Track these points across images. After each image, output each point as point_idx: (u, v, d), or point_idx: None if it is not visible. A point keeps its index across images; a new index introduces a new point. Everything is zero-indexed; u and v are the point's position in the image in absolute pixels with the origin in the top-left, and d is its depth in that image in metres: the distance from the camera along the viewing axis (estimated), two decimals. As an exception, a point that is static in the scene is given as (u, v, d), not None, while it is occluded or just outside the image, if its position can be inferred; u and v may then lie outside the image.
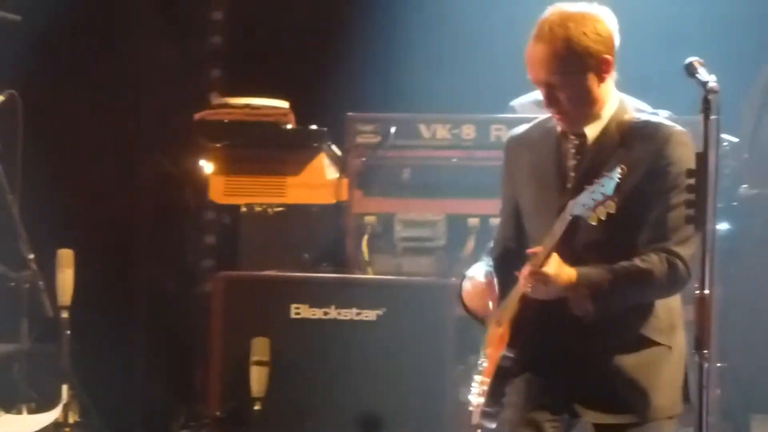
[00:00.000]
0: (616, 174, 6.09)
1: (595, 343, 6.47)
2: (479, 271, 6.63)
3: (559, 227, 6.23)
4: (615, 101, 6.50)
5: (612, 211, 6.07)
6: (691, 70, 6.21)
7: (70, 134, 10.32)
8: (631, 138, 6.41)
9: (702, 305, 6.15)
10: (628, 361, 6.52)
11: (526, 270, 6.33)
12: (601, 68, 6.40)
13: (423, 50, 10.80)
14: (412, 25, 10.92)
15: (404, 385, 8.57)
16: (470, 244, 9.05)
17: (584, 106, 6.45)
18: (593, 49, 6.36)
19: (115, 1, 10.79)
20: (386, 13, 10.88)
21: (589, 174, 6.25)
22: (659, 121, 6.45)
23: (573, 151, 6.47)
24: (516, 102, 9.15)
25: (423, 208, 9.20)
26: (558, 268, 6.28)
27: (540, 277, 6.28)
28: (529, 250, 6.33)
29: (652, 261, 6.35)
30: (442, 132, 9.23)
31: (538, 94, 7.53)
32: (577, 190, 6.23)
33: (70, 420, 9.01)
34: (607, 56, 6.41)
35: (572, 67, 6.36)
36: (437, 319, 8.51)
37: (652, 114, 6.50)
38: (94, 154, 10.12)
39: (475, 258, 8.24)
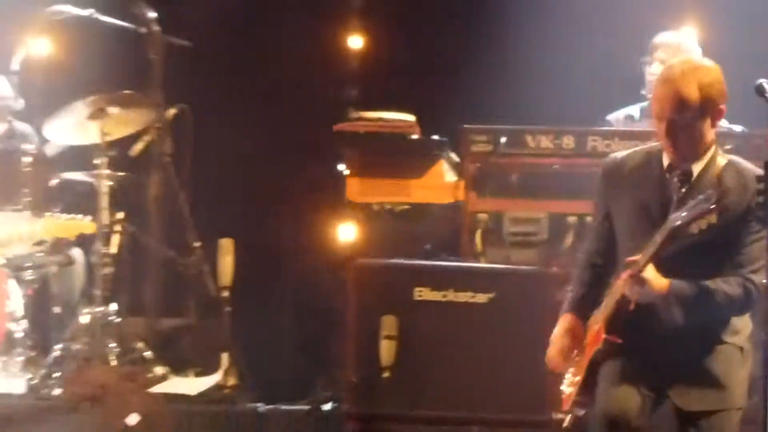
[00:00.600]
0: (714, 195, 6.18)
1: (681, 342, 6.49)
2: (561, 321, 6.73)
3: (659, 237, 6.28)
4: (714, 142, 6.50)
5: (714, 221, 6.25)
6: (760, 90, 6.29)
7: (231, 141, 10.40)
8: (725, 176, 6.44)
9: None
10: (707, 357, 6.54)
11: (626, 274, 6.40)
12: (716, 116, 6.48)
13: (529, 67, 10.66)
14: (520, 45, 10.74)
15: (509, 361, 8.47)
16: (569, 238, 9.03)
17: (697, 145, 6.51)
18: (715, 100, 6.42)
19: (266, 33, 10.80)
20: (496, 36, 10.77)
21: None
22: (746, 166, 6.49)
23: (678, 184, 6.48)
24: (611, 116, 9.20)
25: (528, 207, 9.15)
26: (654, 276, 6.36)
27: (638, 281, 6.35)
28: (629, 259, 6.39)
29: (731, 284, 6.43)
30: (545, 142, 9.18)
31: (630, 110, 7.57)
32: None
33: (229, 383, 9.08)
34: (723, 107, 6.49)
35: (696, 111, 6.38)
36: (540, 303, 8.38)
37: (729, 129, 6.62)
38: (250, 158, 10.19)
39: (572, 250, 8.55)
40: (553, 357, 6.71)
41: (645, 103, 9.28)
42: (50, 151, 9.83)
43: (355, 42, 11.17)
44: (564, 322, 6.74)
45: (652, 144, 6.67)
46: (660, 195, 6.51)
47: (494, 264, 9.05)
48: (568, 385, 6.72)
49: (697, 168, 6.50)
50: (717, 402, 6.60)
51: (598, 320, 6.61)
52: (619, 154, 6.77)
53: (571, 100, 9.93)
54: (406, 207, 9.45)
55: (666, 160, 6.54)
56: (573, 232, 9.10)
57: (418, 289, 8.62)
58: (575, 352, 6.70)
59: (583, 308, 6.62)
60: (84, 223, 8.78)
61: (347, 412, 8.62)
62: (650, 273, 6.37)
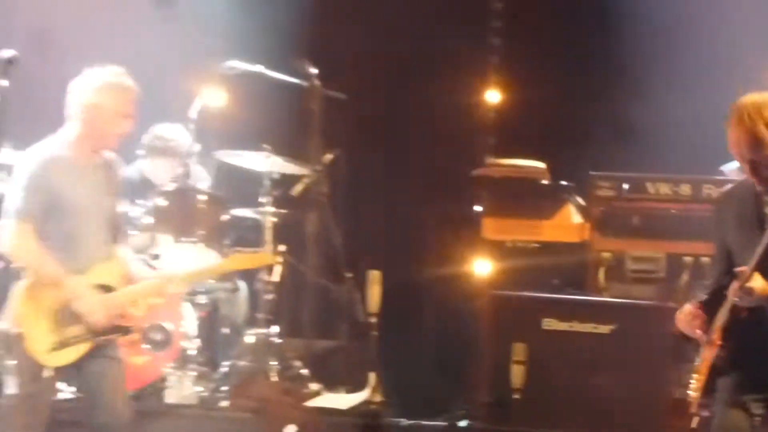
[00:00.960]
0: None
1: None
2: (690, 304, 6.68)
3: (761, 248, 6.29)
4: None
5: None
6: None
7: (380, 184, 10.52)
8: None
9: None
10: None
11: (735, 285, 6.39)
12: None
13: (652, 119, 10.50)
14: (642, 99, 10.54)
15: (629, 386, 8.45)
16: (685, 276, 9.09)
17: None
18: None
19: (414, 88, 10.79)
20: (621, 91, 10.66)
21: None
22: None
23: None
24: (725, 167, 9.18)
25: (648, 247, 9.28)
26: (761, 282, 6.34)
27: (746, 290, 6.35)
28: (737, 269, 6.38)
29: None
30: (664, 189, 9.32)
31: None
32: None
33: (376, 399, 9.01)
34: None
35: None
36: (657, 335, 8.39)
37: None
38: (398, 199, 10.26)
39: (688, 287, 8.68)
40: (682, 318, 6.64)
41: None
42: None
43: (493, 96, 11.09)
44: (692, 305, 6.65)
45: None
46: (757, 216, 6.49)
47: (616, 298, 9.04)
48: (693, 389, 6.64)
49: None
50: None
51: (715, 329, 6.54)
52: (726, 188, 6.82)
53: (689, 151, 9.78)
54: (537, 245, 9.56)
55: (758, 188, 6.49)
56: (689, 270, 9.10)
57: (546, 319, 8.64)
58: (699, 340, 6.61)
59: (706, 311, 6.58)
60: (267, 256, 8.87)
61: (481, 428, 8.59)
62: (757, 281, 6.37)
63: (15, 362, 7.34)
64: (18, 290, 7.24)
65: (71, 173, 7.41)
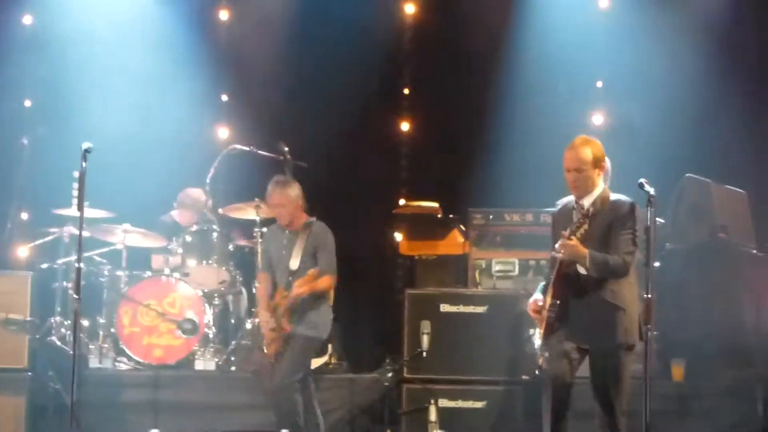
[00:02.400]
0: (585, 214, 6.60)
1: (591, 293, 6.72)
2: (533, 297, 6.94)
3: (574, 220, 6.66)
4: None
5: (585, 229, 6.59)
6: (641, 186, 6.72)
7: (327, 217, 9.47)
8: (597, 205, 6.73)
9: (648, 303, 6.70)
10: (596, 309, 6.69)
11: (560, 242, 6.66)
12: (600, 169, 6.82)
13: (515, 165, 10.29)
14: (508, 149, 10.37)
15: (494, 346, 8.54)
16: (530, 273, 9.14)
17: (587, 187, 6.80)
18: (599, 159, 6.77)
19: (354, 146, 10.70)
20: (491, 147, 10.50)
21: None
22: (617, 197, 6.78)
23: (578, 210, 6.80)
24: (560, 201, 9.05)
25: (507, 255, 9.26)
26: (577, 243, 6.61)
27: (568, 245, 6.61)
28: (563, 233, 6.66)
29: (615, 258, 6.68)
30: (515, 217, 9.37)
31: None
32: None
33: (333, 361, 9.03)
34: (603, 164, 6.85)
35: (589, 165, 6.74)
36: (512, 312, 8.51)
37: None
38: (344, 230, 9.12)
39: (531, 281, 8.73)
40: (531, 306, 6.84)
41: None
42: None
43: (403, 162, 10.99)
44: (536, 295, 6.86)
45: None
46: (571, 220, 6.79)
47: (486, 289, 9.14)
48: (539, 338, 6.87)
49: (587, 201, 6.79)
50: (606, 345, 6.71)
51: (548, 290, 6.78)
52: (559, 202, 7.04)
53: (537, 185, 9.42)
54: (435, 257, 9.56)
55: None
56: (532, 270, 9.17)
57: (442, 305, 8.73)
58: (542, 315, 6.78)
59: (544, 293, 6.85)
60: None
61: (402, 378, 8.66)
62: (575, 241, 6.62)
63: None
64: None
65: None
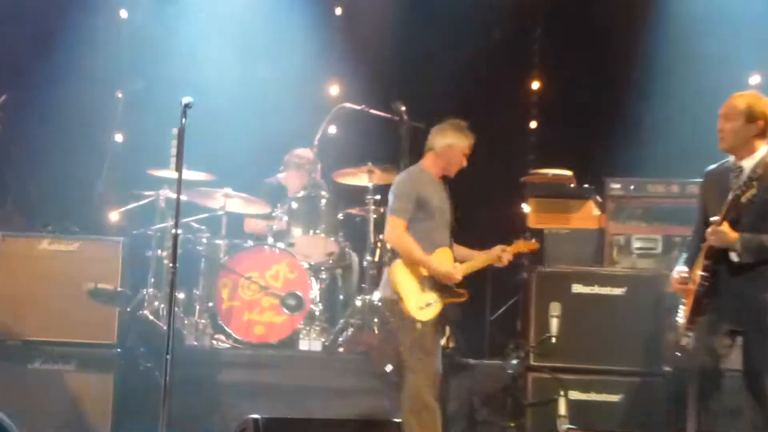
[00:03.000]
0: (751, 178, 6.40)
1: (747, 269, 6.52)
2: (677, 268, 6.83)
3: (727, 200, 6.41)
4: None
5: (753, 195, 6.34)
6: None
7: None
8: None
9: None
10: (752, 287, 6.53)
11: (710, 229, 6.50)
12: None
13: (654, 128, 10.33)
14: (645, 114, 10.41)
15: (635, 332, 8.33)
16: (676, 251, 8.79)
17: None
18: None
19: (478, 117, 10.54)
20: (630, 109, 10.49)
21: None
22: None
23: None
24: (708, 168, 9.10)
25: (649, 231, 9.06)
26: (727, 228, 6.44)
27: (718, 231, 6.45)
28: (711, 219, 6.50)
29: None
30: (659, 188, 9.11)
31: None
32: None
33: (450, 345, 8.57)
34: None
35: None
36: (656, 296, 8.27)
37: None
38: (467, 200, 9.60)
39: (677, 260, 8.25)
40: (674, 279, 6.75)
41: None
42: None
43: (533, 123, 11.06)
44: (681, 267, 6.77)
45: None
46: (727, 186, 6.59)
47: (625, 269, 8.90)
48: (682, 317, 6.72)
49: (747, 163, 6.58)
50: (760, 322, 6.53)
51: (696, 269, 6.62)
52: (710, 167, 6.85)
53: (678, 151, 9.68)
54: (567, 231, 9.38)
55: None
56: (678, 247, 8.86)
57: (575, 285, 8.54)
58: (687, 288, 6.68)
59: (689, 265, 6.71)
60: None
61: (527, 365, 8.49)
62: (725, 227, 6.43)
63: (394, 319, 7.56)
64: (394, 268, 7.51)
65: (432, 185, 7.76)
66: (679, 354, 6.80)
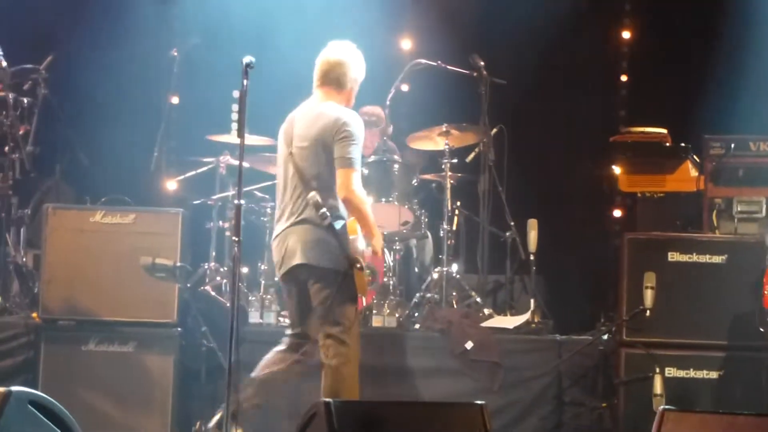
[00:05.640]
0: None
1: None
2: None
3: None
4: None
5: None
6: None
7: (536, 150, 10.37)
8: None
9: None
10: None
11: None
12: None
13: (750, 87, 10.16)
14: (747, 71, 10.24)
15: (738, 304, 8.28)
16: None
17: None
18: None
19: (560, 74, 10.69)
20: (730, 66, 10.40)
21: None
22: None
23: None
24: None
25: (751, 193, 9.03)
26: None
27: None
28: None
29: None
30: (763, 146, 9.09)
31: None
32: None
33: (536, 320, 9.00)
34: None
35: None
36: (760, 264, 8.13)
37: None
38: (551, 162, 10.08)
39: None
40: None
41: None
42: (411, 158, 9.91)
43: (624, 78, 11.01)
44: None
45: None
46: None
47: (727, 235, 8.88)
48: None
49: None
50: None
51: None
52: None
53: None
54: (662, 194, 9.41)
55: None
56: None
57: (671, 253, 8.47)
58: None
59: None
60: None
61: (619, 340, 8.45)
62: None
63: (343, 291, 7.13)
64: (352, 230, 7.17)
65: None
66: (762, 330, 6.84)
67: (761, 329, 6.82)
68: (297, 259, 7.12)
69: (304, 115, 7.33)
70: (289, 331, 7.38)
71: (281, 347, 7.34)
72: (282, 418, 8.12)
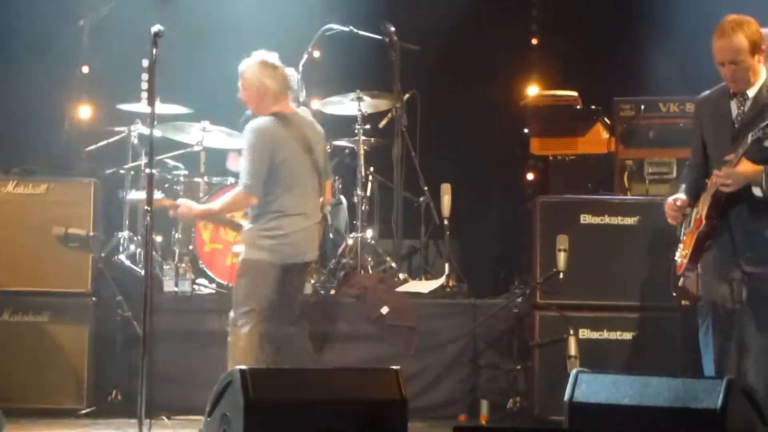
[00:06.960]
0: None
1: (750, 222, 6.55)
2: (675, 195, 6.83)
3: (742, 148, 6.37)
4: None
5: None
6: None
7: (447, 116, 10.40)
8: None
9: None
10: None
11: (722, 172, 6.44)
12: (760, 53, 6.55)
13: (660, 49, 10.04)
14: (651, 34, 10.13)
15: (648, 264, 8.29)
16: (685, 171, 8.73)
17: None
18: (757, 42, 6.47)
19: (473, 39, 10.65)
20: (640, 23, 10.33)
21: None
22: None
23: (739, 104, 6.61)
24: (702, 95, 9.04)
25: (662, 154, 9.10)
26: (747, 165, 6.38)
27: (733, 174, 6.40)
28: (726, 157, 6.42)
29: None
30: (673, 107, 9.16)
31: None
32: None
33: (450, 284, 9.03)
34: (764, 47, 6.53)
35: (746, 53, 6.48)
36: (671, 225, 7.77)
37: None
38: (462, 126, 10.10)
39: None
40: (670, 205, 6.76)
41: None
42: None
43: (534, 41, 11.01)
44: (680, 195, 6.77)
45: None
46: (729, 111, 6.61)
47: (637, 196, 9.00)
48: (680, 256, 6.75)
49: (751, 92, 6.56)
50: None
51: (699, 210, 6.62)
52: (703, 94, 6.84)
53: (694, 73, 9.15)
54: (574, 157, 9.50)
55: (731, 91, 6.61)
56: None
57: (583, 215, 8.48)
58: (683, 224, 6.74)
59: (690, 196, 6.73)
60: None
61: (533, 303, 8.49)
62: (744, 164, 6.40)
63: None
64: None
65: None
66: (675, 295, 6.85)
67: (674, 293, 6.80)
68: None
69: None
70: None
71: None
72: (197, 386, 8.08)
